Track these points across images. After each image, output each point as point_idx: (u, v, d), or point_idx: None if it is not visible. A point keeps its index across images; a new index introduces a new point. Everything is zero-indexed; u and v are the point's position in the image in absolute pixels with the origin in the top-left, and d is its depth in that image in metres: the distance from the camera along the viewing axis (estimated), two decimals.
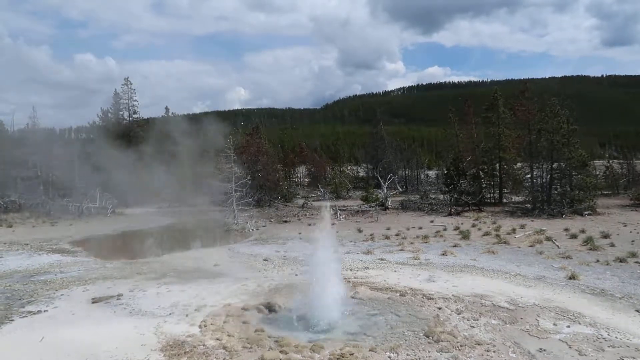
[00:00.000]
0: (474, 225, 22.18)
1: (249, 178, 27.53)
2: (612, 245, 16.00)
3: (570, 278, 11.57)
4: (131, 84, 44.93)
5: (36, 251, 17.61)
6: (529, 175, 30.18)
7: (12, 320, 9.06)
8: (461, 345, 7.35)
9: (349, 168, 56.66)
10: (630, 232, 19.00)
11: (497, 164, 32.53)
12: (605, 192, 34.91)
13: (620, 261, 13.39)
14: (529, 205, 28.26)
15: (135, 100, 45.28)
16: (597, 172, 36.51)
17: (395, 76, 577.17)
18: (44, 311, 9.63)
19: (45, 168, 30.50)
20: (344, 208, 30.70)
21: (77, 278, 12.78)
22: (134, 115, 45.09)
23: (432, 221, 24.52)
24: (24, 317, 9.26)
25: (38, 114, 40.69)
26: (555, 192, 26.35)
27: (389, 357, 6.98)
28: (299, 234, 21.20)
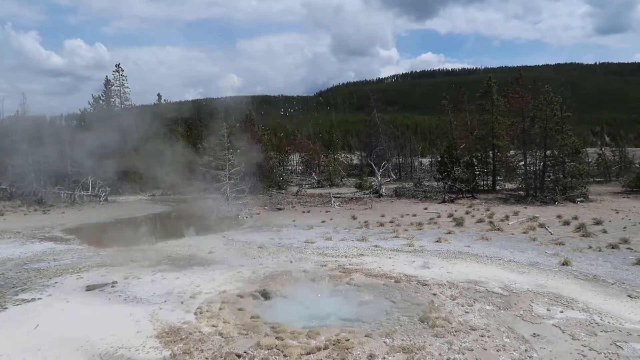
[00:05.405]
0: (467, 213, 22.30)
1: (242, 165, 27.41)
2: (605, 231, 16.16)
3: (563, 264, 11.68)
4: (122, 70, 44.29)
5: (29, 239, 17.44)
6: (522, 163, 30.34)
7: (6, 308, 8.98)
8: (456, 331, 7.41)
9: (342, 156, 56.60)
10: (622, 218, 19.19)
11: (491, 152, 32.70)
12: (597, 179, 35.33)
13: (613, 247, 13.52)
14: (522, 192, 28.48)
15: (127, 87, 44.69)
16: (590, 160, 36.79)
17: (389, 63, 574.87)
18: (38, 299, 9.56)
19: (36, 155, 30.11)
20: (338, 195, 30.73)
21: (70, 266, 12.69)
22: (125, 102, 44.55)
23: (426, 208, 24.62)
24: (17, 304, 9.19)
25: (28, 100, 40.15)
26: (548, 179, 26.54)
27: (385, 342, 7.01)
28: (293, 221, 21.18)
